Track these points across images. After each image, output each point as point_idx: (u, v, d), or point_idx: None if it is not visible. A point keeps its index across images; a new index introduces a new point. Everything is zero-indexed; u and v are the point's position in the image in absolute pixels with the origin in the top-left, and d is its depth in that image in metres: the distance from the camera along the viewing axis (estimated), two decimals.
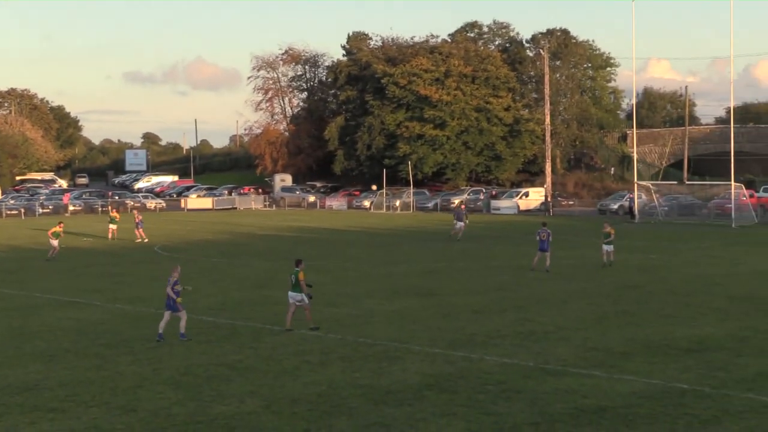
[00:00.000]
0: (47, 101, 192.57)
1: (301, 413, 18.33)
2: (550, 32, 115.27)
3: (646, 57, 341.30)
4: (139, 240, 59.88)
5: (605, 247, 42.73)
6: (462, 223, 51.91)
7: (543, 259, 41.13)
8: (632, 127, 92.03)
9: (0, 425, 17.70)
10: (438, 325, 27.52)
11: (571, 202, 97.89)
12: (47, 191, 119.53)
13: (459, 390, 19.98)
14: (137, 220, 61.98)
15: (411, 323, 28.23)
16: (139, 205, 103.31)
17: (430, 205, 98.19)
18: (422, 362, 22.68)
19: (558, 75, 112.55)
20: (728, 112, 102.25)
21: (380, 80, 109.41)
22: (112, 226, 61.40)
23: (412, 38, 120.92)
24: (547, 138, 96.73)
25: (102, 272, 43.18)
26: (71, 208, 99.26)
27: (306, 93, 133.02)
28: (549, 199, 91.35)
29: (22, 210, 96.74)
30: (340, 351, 24.12)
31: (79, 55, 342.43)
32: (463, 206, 48.40)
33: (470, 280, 38.93)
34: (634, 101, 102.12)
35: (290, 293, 26.92)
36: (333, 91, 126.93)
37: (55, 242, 49.81)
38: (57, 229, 50.75)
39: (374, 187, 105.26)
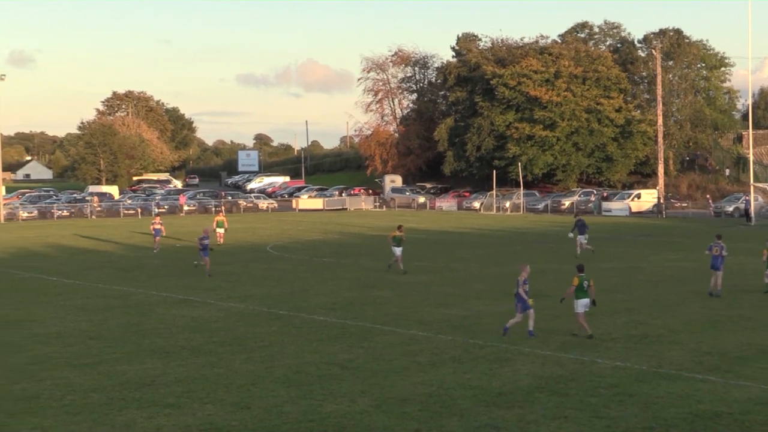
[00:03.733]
0: (163, 103, 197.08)
1: (411, 413, 18.37)
2: (662, 32, 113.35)
3: (762, 57, 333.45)
4: (156, 249, 54.69)
5: None
6: (401, 249, 45.49)
7: (716, 278, 34.24)
8: (748, 128, 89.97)
9: (119, 419, 18.12)
10: (548, 326, 27.31)
11: (684, 204, 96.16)
12: (163, 191, 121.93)
13: (570, 393, 19.81)
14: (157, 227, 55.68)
15: (521, 324, 28.06)
16: (251, 205, 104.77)
17: (541, 206, 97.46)
18: (533, 364, 22.55)
19: (671, 75, 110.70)
20: None
21: (490, 81, 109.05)
22: (220, 230, 58.70)
23: (521, 39, 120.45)
24: (659, 139, 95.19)
25: (215, 271, 43.85)
26: (186, 208, 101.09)
27: (415, 94, 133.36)
28: (661, 201, 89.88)
29: (139, 210, 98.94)
30: (450, 352, 24.12)
31: (195, 58, 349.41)
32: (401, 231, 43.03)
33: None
34: (750, 102, 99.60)
35: (581, 301, 25.67)
36: (442, 92, 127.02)
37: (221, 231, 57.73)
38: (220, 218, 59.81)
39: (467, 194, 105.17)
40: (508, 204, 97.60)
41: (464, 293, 35.32)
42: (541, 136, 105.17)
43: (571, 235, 48.81)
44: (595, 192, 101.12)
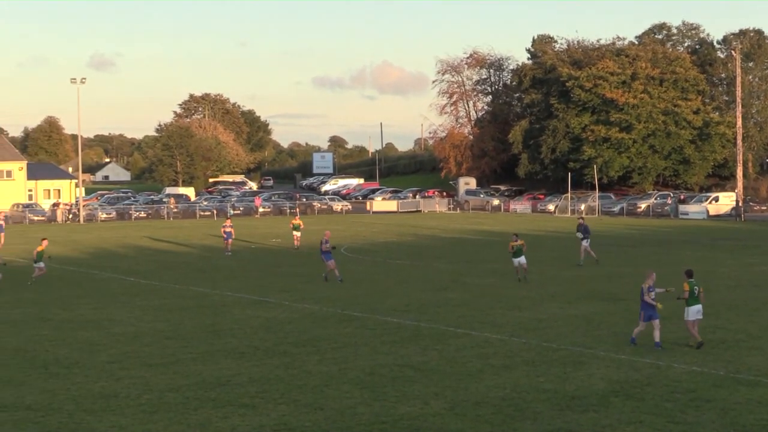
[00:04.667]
0: (239, 105, 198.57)
1: (485, 416, 18.31)
2: (742, 33, 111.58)
3: None
4: (228, 252, 54.09)
5: None
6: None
7: None
8: None
9: (194, 419, 18.32)
10: (624, 330, 27.01)
11: (764, 208, 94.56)
12: (238, 193, 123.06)
13: (646, 397, 19.58)
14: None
15: (595, 328, 27.86)
16: (326, 207, 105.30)
17: (616, 209, 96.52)
18: (608, 368, 22.34)
19: (751, 77, 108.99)
20: None
21: (565, 83, 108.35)
22: (296, 233, 58.04)
23: (597, 41, 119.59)
24: (739, 141, 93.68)
25: (289, 272, 44.18)
26: (260, 210, 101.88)
27: (490, 96, 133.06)
28: (740, 205, 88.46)
29: (215, 211, 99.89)
30: (523, 355, 24.00)
31: (271, 60, 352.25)
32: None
33: (656, 285, 37.98)
34: None
35: (692, 308, 24.95)
36: (517, 95, 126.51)
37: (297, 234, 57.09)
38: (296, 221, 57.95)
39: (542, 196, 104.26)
40: (583, 206, 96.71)
41: (538, 296, 35.11)
42: (617, 138, 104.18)
43: (579, 235, 47.38)
44: (671, 195, 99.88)
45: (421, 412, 18.62)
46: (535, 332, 27.31)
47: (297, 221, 59.87)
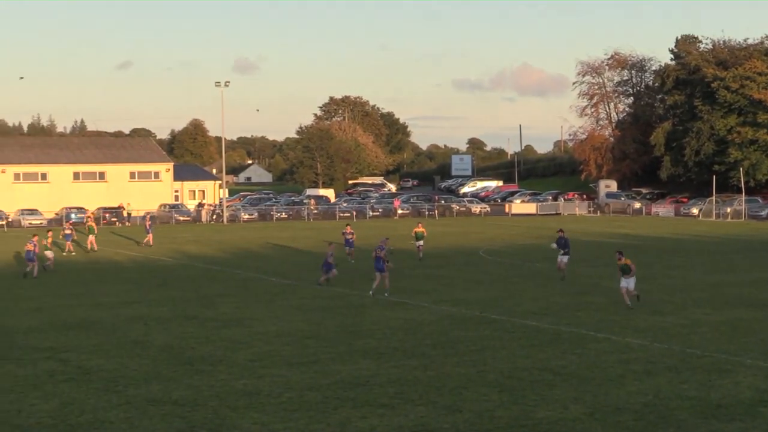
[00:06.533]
0: (378, 108, 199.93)
1: (626, 422, 18.03)
2: None
3: None
4: (352, 260, 50.65)
5: None
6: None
7: None
8: None
9: (334, 418, 18.52)
10: None
11: None
12: (377, 195, 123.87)
13: None
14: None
15: (742, 335, 27.14)
16: (464, 209, 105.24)
17: (764, 213, 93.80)
18: (755, 377, 21.74)
19: None
20: None
21: (710, 84, 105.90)
22: (419, 243, 52.44)
23: (745, 40, 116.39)
24: None
25: (427, 274, 44.26)
26: (399, 211, 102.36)
27: (632, 98, 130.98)
28: None
29: (354, 213, 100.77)
30: (666, 361, 23.55)
31: (411, 63, 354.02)
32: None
33: None
34: None
35: None
36: (660, 96, 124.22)
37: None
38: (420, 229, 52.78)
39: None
40: (728, 210, 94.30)
41: (681, 301, 34.40)
42: (765, 140, 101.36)
43: (554, 246, 42.98)
44: None
45: (560, 417, 18.45)
46: (678, 338, 26.76)
47: (420, 229, 53.31)
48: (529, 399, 19.82)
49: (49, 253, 48.70)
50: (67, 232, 59.12)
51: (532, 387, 20.89)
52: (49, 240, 50.31)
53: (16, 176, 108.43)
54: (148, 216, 69.63)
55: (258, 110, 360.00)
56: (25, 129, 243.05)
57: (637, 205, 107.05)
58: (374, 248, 38.52)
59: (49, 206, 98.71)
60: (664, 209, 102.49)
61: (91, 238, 60.04)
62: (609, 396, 20.06)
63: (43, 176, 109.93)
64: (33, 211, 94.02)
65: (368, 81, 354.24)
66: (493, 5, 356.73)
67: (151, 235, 63.09)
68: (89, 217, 73.56)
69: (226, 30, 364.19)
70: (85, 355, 24.90)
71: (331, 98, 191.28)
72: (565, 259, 41.93)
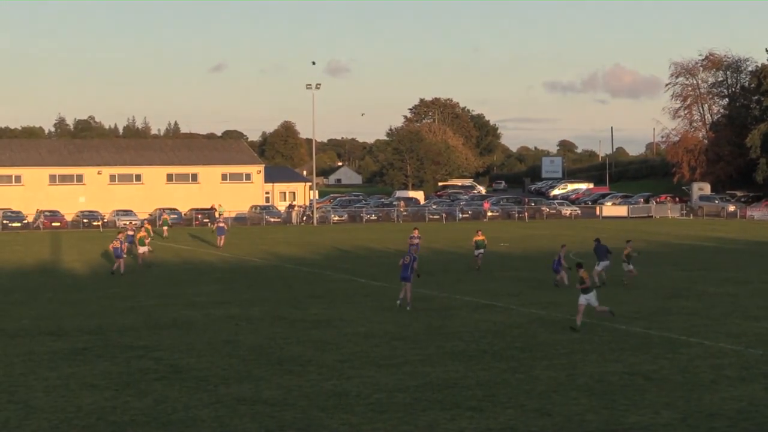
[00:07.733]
0: (468, 110, 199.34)
1: (719, 429, 17.73)
2: None
3: None
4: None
5: None
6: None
7: None
8: None
9: (422, 420, 18.52)
10: None
11: None
12: (467, 197, 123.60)
13: None
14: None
15: None
16: (554, 212, 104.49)
17: None
18: None
19: None
20: None
21: None
22: (479, 251, 48.11)
23: None
24: None
25: (517, 277, 44.05)
26: (489, 214, 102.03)
27: (727, 99, 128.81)
28: None
29: (444, 215, 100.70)
30: (761, 367, 23.09)
31: (503, 65, 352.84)
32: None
33: None
34: None
35: None
36: (756, 97, 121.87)
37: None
38: (480, 237, 49.47)
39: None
40: None
41: None
42: None
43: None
44: None
45: (651, 422, 18.20)
46: None
47: (480, 237, 48.68)
48: (620, 404, 19.60)
49: (141, 249, 50.19)
50: (130, 233, 54.25)
51: (622, 391, 20.66)
52: (142, 233, 51.56)
53: (112, 177, 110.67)
54: (221, 218, 70.46)
55: (363, 114, 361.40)
56: (121, 131, 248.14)
57: (732, 208, 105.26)
58: (402, 255, 36.12)
59: (143, 207, 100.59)
60: (759, 212, 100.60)
61: (143, 249, 51.42)
62: (702, 402, 19.74)
63: (138, 177, 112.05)
64: (127, 212, 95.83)
65: (459, 83, 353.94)
66: (585, 6, 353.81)
67: (223, 238, 63.56)
68: (139, 226, 65.55)
69: (319, 33, 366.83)
70: (178, 354, 25.28)
71: (421, 100, 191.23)
72: (599, 267, 40.57)
